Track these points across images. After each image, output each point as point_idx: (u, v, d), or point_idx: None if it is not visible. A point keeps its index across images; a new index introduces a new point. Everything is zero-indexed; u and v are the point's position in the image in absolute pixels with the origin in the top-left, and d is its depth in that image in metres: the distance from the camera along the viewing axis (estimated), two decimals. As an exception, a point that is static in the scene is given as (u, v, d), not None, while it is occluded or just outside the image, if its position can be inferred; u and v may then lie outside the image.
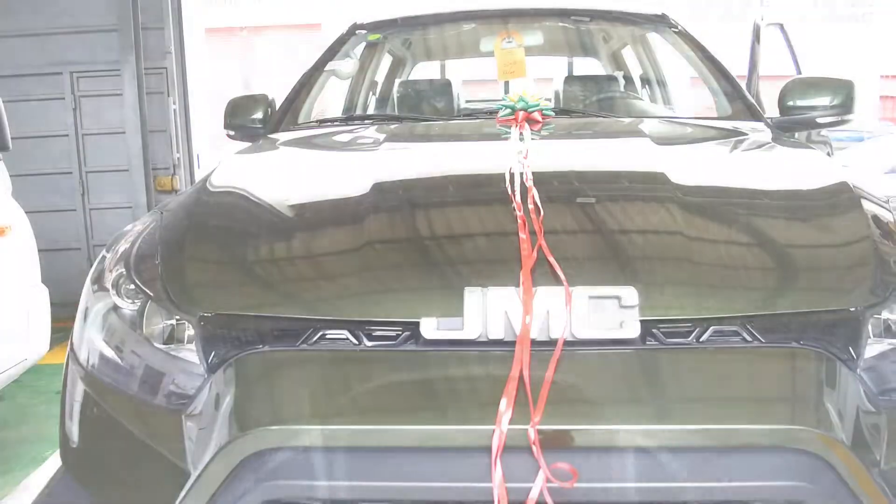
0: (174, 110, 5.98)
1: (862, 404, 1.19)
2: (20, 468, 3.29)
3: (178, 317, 1.35)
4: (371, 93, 3.70)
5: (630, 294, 1.21)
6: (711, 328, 1.22)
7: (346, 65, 3.07)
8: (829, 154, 4.05)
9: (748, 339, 1.22)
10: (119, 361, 1.38)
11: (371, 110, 3.59)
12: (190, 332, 1.35)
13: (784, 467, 1.11)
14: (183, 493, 1.19)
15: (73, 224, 6.06)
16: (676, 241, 1.35)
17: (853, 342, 1.24)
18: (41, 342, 3.74)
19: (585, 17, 3.32)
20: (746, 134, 2.23)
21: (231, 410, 1.20)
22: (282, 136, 2.42)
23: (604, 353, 1.20)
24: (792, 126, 2.55)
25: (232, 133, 2.79)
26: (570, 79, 3.22)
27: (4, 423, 3.89)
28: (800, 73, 4.15)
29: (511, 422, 1.09)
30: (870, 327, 1.28)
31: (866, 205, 1.50)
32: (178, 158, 6.06)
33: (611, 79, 3.39)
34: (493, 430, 1.09)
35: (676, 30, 2.98)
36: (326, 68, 2.93)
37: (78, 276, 6.14)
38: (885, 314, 1.30)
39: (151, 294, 1.39)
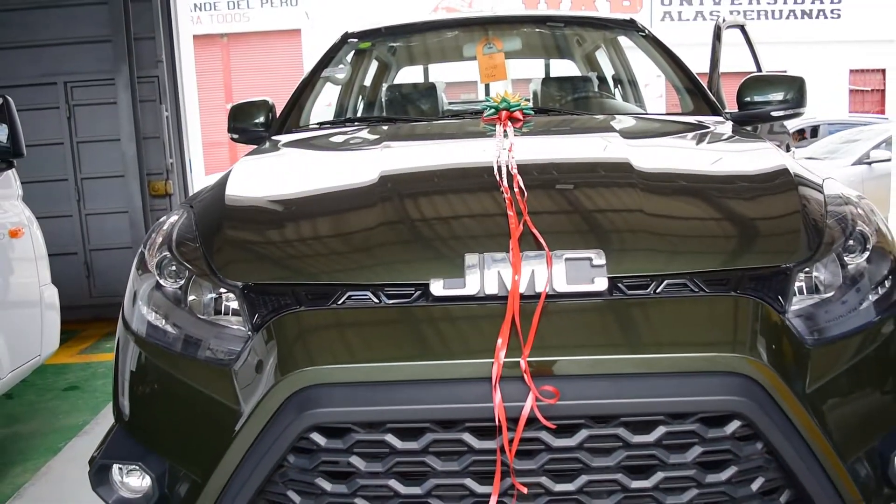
0: (166, 117, 6.13)
1: (790, 342, 1.45)
2: (37, 457, 3.48)
3: (222, 289, 1.58)
4: (361, 96, 3.92)
5: (599, 256, 1.47)
6: (665, 282, 1.48)
7: (340, 71, 3.30)
8: (788, 144, 4.31)
9: (695, 289, 1.48)
10: (168, 329, 1.61)
11: (360, 113, 3.82)
12: (227, 303, 1.58)
13: (725, 386, 1.37)
14: (238, 427, 1.43)
15: (70, 229, 6.20)
16: (637, 215, 1.61)
17: (782, 293, 1.50)
18: (52, 339, 3.92)
19: (560, 22, 3.59)
20: (704, 127, 2.48)
21: (275, 359, 1.44)
22: (288, 138, 2.65)
23: (578, 302, 1.46)
24: (748, 119, 2.77)
25: (235, 136, 2.98)
26: (548, 80, 3.45)
27: (17, 418, 4.07)
28: (760, 70, 4.42)
29: (506, 356, 1.36)
30: (802, 283, 1.54)
31: (800, 186, 1.75)
32: (171, 164, 6.22)
33: (584, 79, 3.63)
34: (492, 363, 1.35)
35: (644, 34, 3.23)
36: (323, 74, 3.15)
37: (75, 280, 6.24)
38: (814, 273, 1.56)
39: (196, 271, 1.63)
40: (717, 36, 3.89)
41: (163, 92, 6.12)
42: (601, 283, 1.45)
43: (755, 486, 1.41)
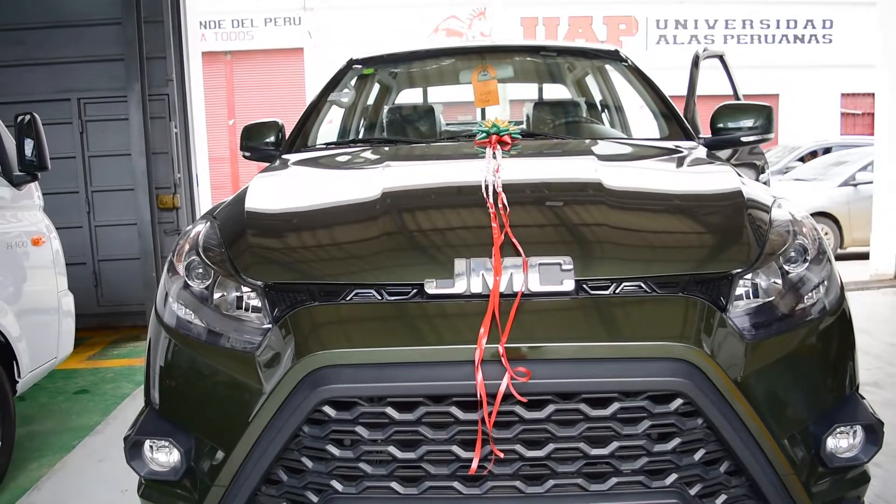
0: (175, 134, 6.37)
1: (729, 336, 1.69)
2: (52, 454, 3.68)
3: (245, 287, 1.82)
4: (363, 117, 4.16)
5: (568, 262, 1.72)
6: (623, 284, 1.73)
7: (345, 95, 3.56)
8: (763, 168, 4.55)
9: (648, 291, 1.73)
10: (197, 322, 1.85)
11: (363, 132, 4.06)
12: (248, 300, 1.82)
13: (670, 369, 1.61)
14: (260, 403, 1.67)
15: (80, 240, 6.42)
16: (602, 228, 1.86)
17: (725, 295, 1.75)
18: (67, 344, 4.11)
19: (550, 52, 3.86)
20: (675, 152, 2.72)
21: (292, 346, 1.68)
22: (298, 157, 2.91)
23: (549, 300, 1.71)
24: (720, 144, 2.99)
25: (247, 154, 3.22)
26: (538, 105, 3.67)
27: (32, 419, 4.26)
28: (738, 98, 4.66)
29: (487, 343, 1.60)
30: (748, 288, 1.78)
31: (750, 206, 1.98)
32: (179, 178, 6.45)
33: (572, 105, 3.85)
34: (475, 348, 1.60)
35: (626, 63, 3.49)
36: (329, 98, 3.40)
37: (83, 289, 6.47)
38: (755, 279, 1.80)
39: (222, 272, 1.87)
40: (696, 64, 4.15)
41: (172, 109, 6.36)
42: (569, 285, 1.70)
43: (697, 456, 1.65)
